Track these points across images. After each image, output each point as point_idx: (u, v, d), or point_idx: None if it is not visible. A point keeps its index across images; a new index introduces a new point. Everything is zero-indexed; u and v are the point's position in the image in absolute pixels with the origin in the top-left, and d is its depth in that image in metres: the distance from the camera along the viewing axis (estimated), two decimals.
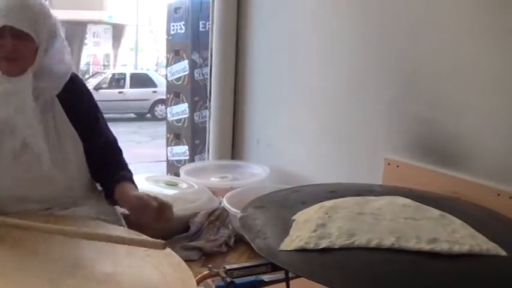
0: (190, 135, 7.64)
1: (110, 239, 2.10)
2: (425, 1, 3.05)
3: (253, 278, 2.20)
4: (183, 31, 7.70)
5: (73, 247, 2.12)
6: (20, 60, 2.39)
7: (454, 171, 2.82)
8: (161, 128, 13.99)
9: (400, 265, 1.74)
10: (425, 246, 1.79)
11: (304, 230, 1.93)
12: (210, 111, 5.06)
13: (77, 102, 2.60)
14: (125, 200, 2.50)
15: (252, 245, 1.91)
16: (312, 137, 3.99)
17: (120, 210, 2.74)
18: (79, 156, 2.58)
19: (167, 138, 8.35)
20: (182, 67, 7.71)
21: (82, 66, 29.61)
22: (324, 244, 1.82)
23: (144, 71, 25.79)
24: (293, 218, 2.09)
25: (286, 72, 4.31)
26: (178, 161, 7.86)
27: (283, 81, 4.34)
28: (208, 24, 5.44)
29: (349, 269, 1.74)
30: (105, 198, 2.71)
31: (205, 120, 5.77)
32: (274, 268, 2.14)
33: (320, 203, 2.18)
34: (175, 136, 8.04)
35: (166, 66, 8.41)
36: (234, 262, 2.90)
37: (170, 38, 8.08)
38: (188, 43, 7.56)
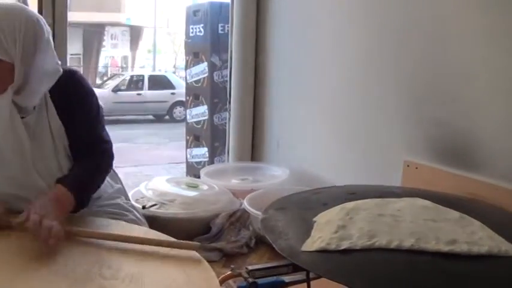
0: (210, 137, 7.64)
1: (151, 242, 2.15)
2: (443, 4, 3.06)
3: (274, 278, 2.22)
4: (202, 34, 7.70)
5: (98, 247, 2.14)
6: None
7: (472, 173, 2.83)
8: (179, 130, 14.03)
9: (420, 266, 1.75)
10: (445, 248, 1.81)
11: (326, 231, 1.95)
12: (229, 113, 5.08)
13: (69, 99, 2.53)
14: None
15: (274, 246, 1.93)
16: (331, 139, 4.01)
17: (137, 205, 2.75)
18: (62, 159, 2.53)
19: (187, 140, 8.35)
20: (201, 69, 7.71)
21: (100, 68, 29.64)
22: (345, 245, 1.84)
23: (162, 73, 25.76)
24: (314, 219, 2.11)
25: (305, 74, 4.32)
26: (198, 163, 7.87)
27: (302, 83, 4.36)
28: (227, 26, 5.46)
29: (369, 269, 1.75)
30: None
31: (225, 122, 5.78)
32: (296, 269, 2.15)
33: (341, 205, 2.20)
34: (194, 138, 8.05)
35: (186, 68, 8.41)
36: (255, 263, 2.91)
37: (189, 40, 8.08)
38: (207, 45, 7.56)
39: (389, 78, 3.43)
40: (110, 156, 2.67)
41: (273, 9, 4.70)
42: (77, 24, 24.40)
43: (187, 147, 8.34)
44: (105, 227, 2.37)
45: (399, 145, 3.35)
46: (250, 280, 2.10)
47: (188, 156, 8.28)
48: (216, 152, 7.52)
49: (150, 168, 10.96)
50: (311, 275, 2.13)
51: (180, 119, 19.02)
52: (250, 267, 2.16)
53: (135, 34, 32.22)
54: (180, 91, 18.86)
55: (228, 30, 5.38)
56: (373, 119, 3.59)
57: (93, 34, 28.28)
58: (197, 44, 7.85)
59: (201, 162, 7.80)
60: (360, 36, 3.69)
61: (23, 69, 2.36)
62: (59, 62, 2.57)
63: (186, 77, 8.49)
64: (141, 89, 20.65)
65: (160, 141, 15.33)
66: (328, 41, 4.03)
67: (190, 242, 2.16)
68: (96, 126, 2.64)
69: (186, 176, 7.74)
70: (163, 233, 2.34)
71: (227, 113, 5.20)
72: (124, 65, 32.36)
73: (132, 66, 32.10)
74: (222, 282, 2.22)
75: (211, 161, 7.44)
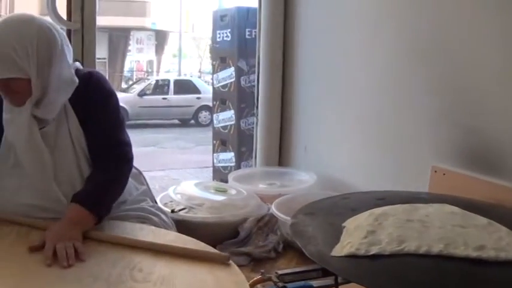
0: (237, 142, 7.67)
1: (185, 251, 2.15)
2: (472, 11, 3.07)
3: (302, 283, 2.24)
4: (229, 38, 7.72)
5: (129, 250, 2.16)
6: (16, 94, 2.38)
7: (500, 179, 2.83)
8: (205, 134, 14.04)
9: (448, 271, 1.76)
10: (473, 253, 1.82)
11: (355, 236, 1.97)
12: (257, 118, 5.09)
13: (88, 101, 2.51)
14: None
15: (304, 250, 1.95)
16: (358, 144, 4.01)
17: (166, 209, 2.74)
18: (83, 164, 2.52)
19: (213, 145, 8.37)
20: (228, 74, 7.74)
21: (125, 72, 29.74)
22: (374, 250, 1.86)
23: (188, 78, 25.80)
24: (343, 224, 2.13)
25: (333, 79, 4.32)
26: (224, 168, 7.89)
27: (330, 87, 4.36)
28: (255, 31, 5.48)
29: (399, 274, 1.77)
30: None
31: (252, 127, 5.79)
32: (325, 273, 2.17)
33: (370, 210, 2.22)
34: (221, 143, 8.07)
35: (213, 73, 8.43)
36: (283, 268, 2.91)
37: (217, 45, 8.11)
38: (234, 50, 7.59)
39: (418, 84, 3.44)
40: (128, 160, 2.60)
41: (300, 13, 4.71)
42: (103, 29, 24.49)
43: (213, 152, 8.36)
44: (135, 231, 2.38)
45: (427, 151, 3.36)
46: (280, 285, 2.11)
47: (215, 160, 8.30)
48: (243, 156, 7.53)
49: (176, 173, 10.97)
50: (339, 279, 2.15)
51: (206, 124, 19.06)
52: (280, 272, 2.18)
53: (160, 39, 32.26)
54: (206, 96, 18.90)
55: (255, 35, 5.40)
56: (401, 124, 3.60)
57: (119, 38, 28.37)
58: (224, 49, 7.87)
59: (227, 166, 7.83)
60: (390, 41, 3.70)
61: (40, 82, 2.37)
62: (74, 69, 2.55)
63: (212, 82, 8.52)
64: (167, 93, 20.66)
65: (185, 146, 15.34)
66: (357, 45, 4.04)
67: (218, 252, 2.16)
68: (114, 128, 2.59)
69: (213, 180, 7.77)
70: (192, 237, 2.34)
71: (254, 118, 5.20)
72: (149, 70, 32.41)
73: (158, 71, 32.14)
74: (252, 286, 2.24)
75: (237, 166, 7.46)
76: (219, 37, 7.94)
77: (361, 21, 3.99)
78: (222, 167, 8.03)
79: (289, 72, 4.88)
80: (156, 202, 2.99)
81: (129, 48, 30.71)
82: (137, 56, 31.99)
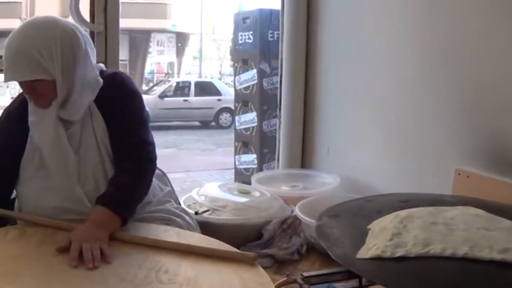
0: (259, 143, 7.64)
1: (212, 252, 2.15)
2: (494, 10, 3.06)
3: (326, 285, 2.25)
4: (251, 40, 7.71)
5: (155, 251, 2.17)
6: (42, 95, 2.40)
7: None
8: (226, 136, 14.04)
9: (474, 274, 1.77)
10: (497, 256, 1.81)
11: (380, 238, 1.98)
12: (280, 120, 5.10)
13: (112, 101, 2.52)
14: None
15: (330, 253, 1.95)
16: (381, 146, 4.02)
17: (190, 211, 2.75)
18: (108, 164, 2.52)
19: (235, 147, 8.36)
20: (250, 76, 7.72)
21: (146, 74, 29.79)
22: (400, 253, 1.86)
23: (209, 79, 25.80)
24: (368, 227, 2.14)
25: (357, 81, 4.33)
26: (246, 169, 7.88)
27: (353, 89, 4.37)
28: (277, 33, 5.50)
29: (424, 277, 1.77)
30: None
31: (274, 129, 5.80)
32: (350, 276, 2.18)
33: (395, 213, 2.22)
34: (243, 144, 8.05)
35: (235, 75, 8.41)
36: (307, 270, 2.91)
37: (239, 47, 8.10)
38: (256, 52, 7.57)
39: (442, 86, 3.43)
40: (151, 160, 2.59)
41: (323, 15, 4.72)
42: (124, 31, 24.50)
43: (235, 154, 8.35)
44: (160, 233, 2.38)
45: (451, 153, 3.35)
46: (306, 287, 2.13)
47: (237, 162, 8.29)
48: (265, 158, 7.52)
49: (198, 174, 10.98)
50: (363, 282, 2.16)
51: (226, 126, 19.08)
52: (305, 274, 2.19)
53: (181, 41, 32.27)
54: (227, 97, 18.92)
55: (277, 37, 5.41)
56: (425, 126, 3.59)
57: (140, 40, 28.40)
58: (246, 51, 7.86)
59: (249, 168, 7.82)
60: (413, 43, 3.70)
61: (65, 83, 2.39)
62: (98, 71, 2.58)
63: (234, 84, 8.49)
64: (188, 95, 20.64)
65: (206, 147, 15.36)
66: (380, 48, 4.05)
67: (245, 253, 2.17)
68: (137, 127, 2.58)
69: (235, 182, 7.77)
70: (216, 238, 2.35)
71: (277, 120, 5.21)
72: (170, 72, 32.42)
73: (178, 73, 32.14)
74: None
75: (260, 168, 7.45)
76: (241, 39, 7.93)
77: (383, 23, 4.00)
78: (243, 168, 8.02)
79: (312, 74, 4.89)
80: (179, 203, 2.99)
81: (150, 50, 30.73)
82: (158, 58, 32.00)
